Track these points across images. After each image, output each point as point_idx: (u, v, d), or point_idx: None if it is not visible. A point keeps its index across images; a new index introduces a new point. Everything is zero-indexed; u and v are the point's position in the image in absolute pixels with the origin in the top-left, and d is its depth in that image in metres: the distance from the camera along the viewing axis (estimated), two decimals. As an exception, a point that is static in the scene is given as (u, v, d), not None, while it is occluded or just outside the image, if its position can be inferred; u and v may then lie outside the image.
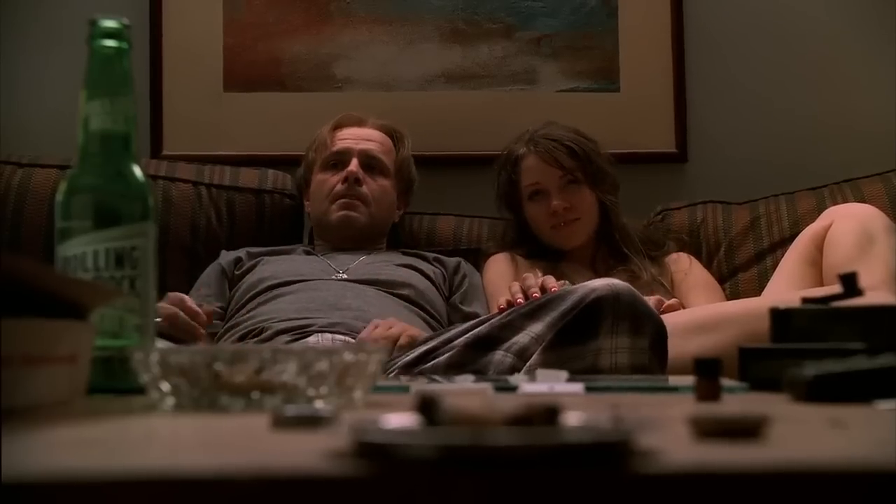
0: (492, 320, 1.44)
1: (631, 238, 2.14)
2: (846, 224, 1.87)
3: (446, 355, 1.43)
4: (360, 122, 2.20)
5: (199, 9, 2.46)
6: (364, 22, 2.49)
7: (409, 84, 2.48)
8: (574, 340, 1.35)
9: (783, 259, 2.00)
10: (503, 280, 1.98)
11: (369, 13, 2.49)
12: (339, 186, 2.10)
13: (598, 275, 2.07)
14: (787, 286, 1.89)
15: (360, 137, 2.16)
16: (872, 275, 1.72)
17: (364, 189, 2.11)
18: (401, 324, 1.74)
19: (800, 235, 1.98)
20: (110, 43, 0.98)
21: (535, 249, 2.14)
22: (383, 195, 2.15)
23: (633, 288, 1.41)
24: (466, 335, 1.44)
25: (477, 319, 1.53)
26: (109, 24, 0.99)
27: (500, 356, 1.38)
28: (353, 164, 2.11)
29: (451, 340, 1.46)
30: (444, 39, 2.49)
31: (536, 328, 1.38)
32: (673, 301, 1.89)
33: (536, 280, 1.61)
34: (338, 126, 2.18)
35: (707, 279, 2.16)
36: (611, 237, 2.13)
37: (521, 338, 1.38)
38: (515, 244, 2.16)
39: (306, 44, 2.47)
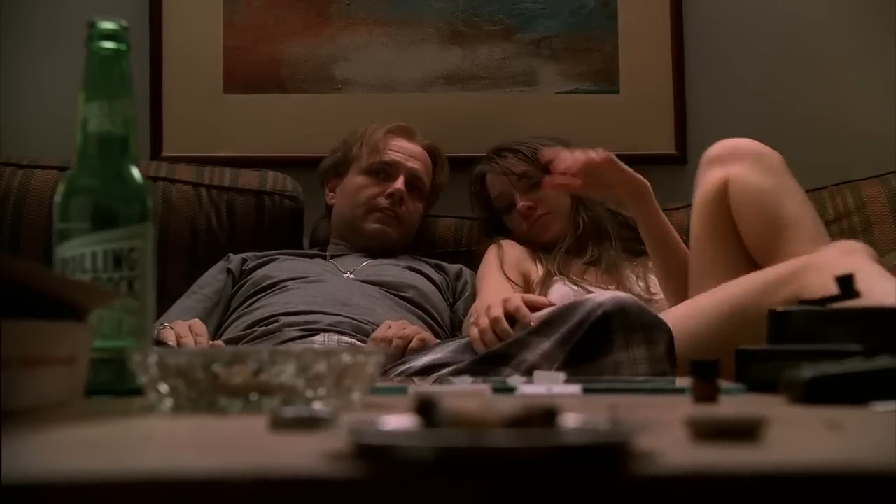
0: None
1: (598, 227, 2.11)
2: (746, 196, 1.67)
3: (452, 367, 1.42)
4: (410, 136, 2.19)
5: (198, 10, 2.46)
6: (364, 24, 2.49)
7: (409, 86, 2.48)
8: (588, 358, 1.34)
9: (691, 236, 1.77)
10: (495, 266, 2.02)
11: (369, 15, 2.49)
12: (382, 199, 2.10)
13: (586, 262, 2.06)
14: (705, 275, 1.73)
15: (410, 154, 2.16)
16: (802, 243, 1.62)
17: (403, 209, 2.12)
18: (414, 326, 1.75)
19: (696, 205, 1.75)
20: (109, 45, 0.98)
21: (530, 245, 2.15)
22: (416, 217, 2.18)
23: (637, 299, 1.41)
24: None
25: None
26: (108, 25, 0.99)
27: (508, 374, 1.37)
28: (400, 182, 2.11)
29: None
30: (443, 41, 2.49)
31: (544, 346, 1.38)
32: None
33: (519, 300, 1.55)
34: (389, 132, 2.17)
35: None
36: (586, 225, 2.11)
37: (530, 356, 1.38)
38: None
39: (306, 45, 2.47)
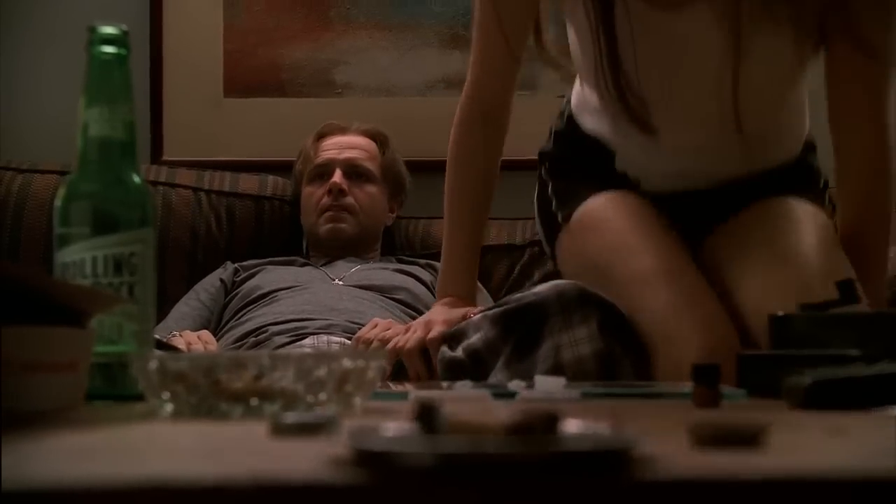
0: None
1: None
2: None
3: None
4: (342, 130, 2.20)
5: (199, 14, 2.46)
6: (364, 28, 2.49)
7: (410, 90, 2.48)
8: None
9: None
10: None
11: (369, 19, 2.49)
12: (325, 199, 2.12)
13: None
14: None
15: (343, 146, 2.17)
16: None
17: (350, 199, 2.12)
18: (399, 325, 1.75)
19: None
20: (109, 49, 0.98)
21: None
22: (371, 202, 2.16)
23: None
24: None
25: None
26: (108, 30, 0.99)
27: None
28: (337, 176, 2.12)
29: None
30: (444, 45, 2.49)
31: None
32: None
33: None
34: (321, 136, 2.19)
35: None
36: None
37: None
38: None
39: (306, 49, 2.47)
